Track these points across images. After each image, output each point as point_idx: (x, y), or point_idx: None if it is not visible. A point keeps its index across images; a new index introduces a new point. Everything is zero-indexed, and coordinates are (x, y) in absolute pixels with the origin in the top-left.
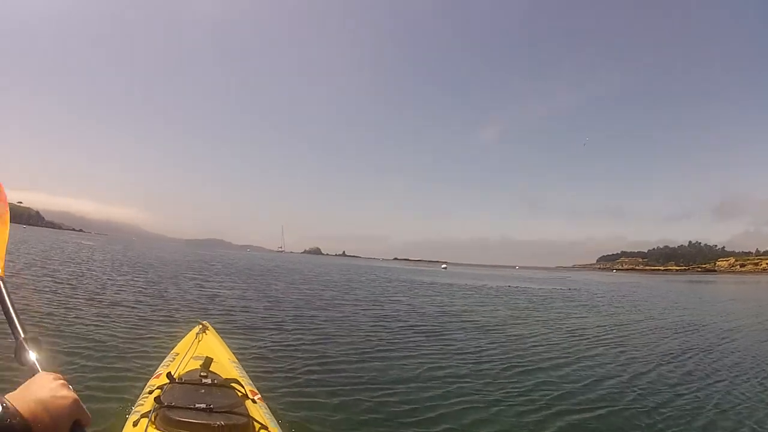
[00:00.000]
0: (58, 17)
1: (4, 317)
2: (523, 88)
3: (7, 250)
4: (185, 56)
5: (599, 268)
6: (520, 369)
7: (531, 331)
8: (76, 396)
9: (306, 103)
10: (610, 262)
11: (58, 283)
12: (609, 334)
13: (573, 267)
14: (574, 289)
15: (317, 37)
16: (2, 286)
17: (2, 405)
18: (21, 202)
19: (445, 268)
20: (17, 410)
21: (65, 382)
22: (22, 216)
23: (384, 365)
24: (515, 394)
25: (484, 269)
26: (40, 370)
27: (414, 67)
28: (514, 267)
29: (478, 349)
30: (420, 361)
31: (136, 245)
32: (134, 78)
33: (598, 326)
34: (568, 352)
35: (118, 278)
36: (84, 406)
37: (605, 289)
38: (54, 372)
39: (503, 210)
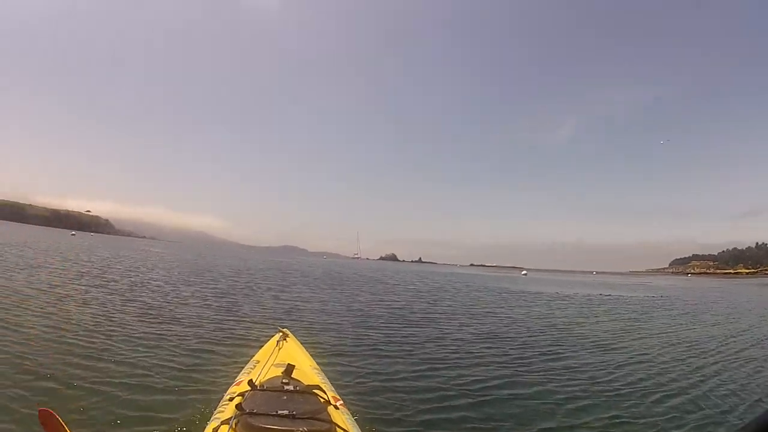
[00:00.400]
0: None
1: None
2: (594, 89)
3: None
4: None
5: (672, 272)
6: (652, 391)
7: (645, 346)
8: None
9: (379, 113)
10: (682, 265)
11: (131, 289)
12: (728, 346)
13: (646, 272)
14: (665, 296)
15: (391, 57)
16: None
17: None
18: (89, 211)
19: (525, 274)
20: None
21: None
22: (90, 224)
23: (476, 376)
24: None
25: (562, 275)
26: None
27: (481, 74)
28: (592, 272)
29: (596, 367)
30: (525, 378)
31: (210, 252)
32: (220, 99)
33: (710, 337)
34: (697, 369)
35: (188, 287)
36: None
37: (693, 295)
38: None
39: (575, 213)
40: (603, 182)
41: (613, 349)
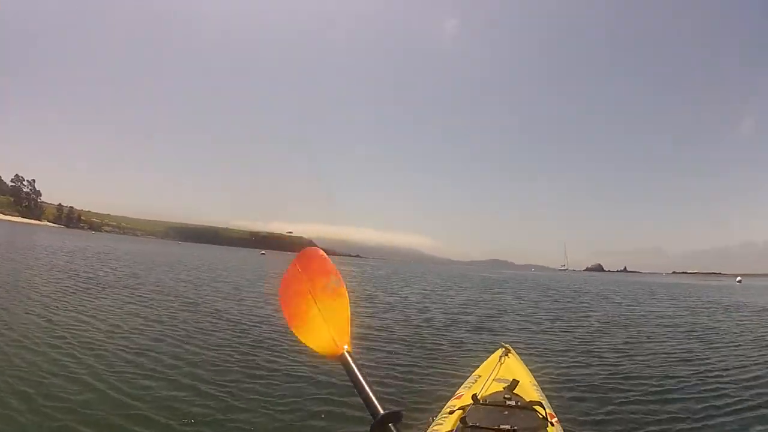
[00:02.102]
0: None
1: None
2: None
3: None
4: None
5: None
6: None
7: None
8: None
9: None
10: None
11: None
12: None
13: None
14: None
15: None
16: (350, 360)
17: None
18: (291, 232)
19: (739, 281)
20: None
21: None
22: (294, 245)
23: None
24: None
25: None
26: None
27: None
28: None
29: None
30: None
31: (420, 268)
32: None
33: None
34: None
35: (402, 299)
36: None
37: None
38: None
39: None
40: None
41: None
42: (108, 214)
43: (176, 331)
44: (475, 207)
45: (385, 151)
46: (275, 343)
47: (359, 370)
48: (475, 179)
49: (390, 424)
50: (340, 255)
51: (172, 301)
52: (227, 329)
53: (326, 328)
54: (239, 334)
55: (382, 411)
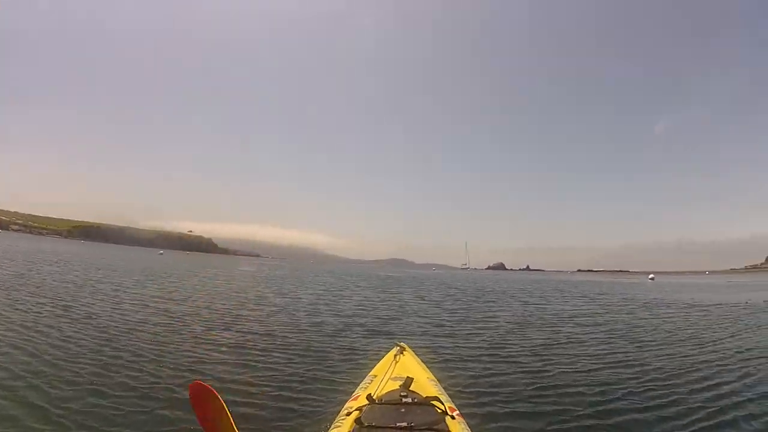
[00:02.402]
0: None
1: None
2: (698, 76)
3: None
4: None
5: None
6: None
7: None
8: None
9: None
10: None
11: (243, 304)
12: None
13: (745, 269)
14: None
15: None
16: None
17: None
18: (191, 231)
19: (652, 278)
20: None
21: None
22: (192, 244)
23: (603, 393)
24: None
25: (687, 277)
26: None
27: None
28: (705, 272)
29: None
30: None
31: (317, 267)
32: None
33: None
34: None
35: (289, 300)
36: None
37: None
38: None
39: (677, 209)
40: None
41: None
42: (16, 212)
43: (35, 338)
44: (377, 207)
45: (290, 152)
46: (139, 355)
47: None
48: (377, 181)
49: None
50: (241, 255)
51: (45, 303)
52: (92, 336)
53: None
54: (103, 344)
55: None
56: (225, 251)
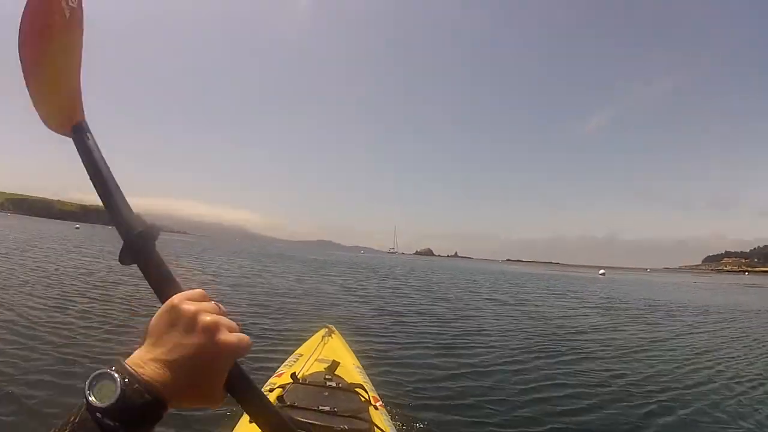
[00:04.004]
0: None
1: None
2: (623, 77)
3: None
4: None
5: (713, 270)
6: None
7: None
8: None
9: (420, 103)
10: (714, 262)
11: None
12: None
13: (679, 269)
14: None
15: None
16: (88, 137)
17: (123, 378)
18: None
19: (603, 274)
20: (144, 380)
21: (211, 304)
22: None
23: (522, 383)
24: None
25: (635, 273)
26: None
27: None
28: (646, 270)
29: None
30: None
31: (245, 247)
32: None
33: None
34: None
35: (227, 276)
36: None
37: None
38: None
39: (609, 205)
40: (634, 172)
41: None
42: None
43: None
44: (306, 187)
45: (218, 125)
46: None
47: (99, 155)
48: (309, 161)
49: (147, 243)
50: (166, 232)
51: None
52: None
53: (57, 82)
54: None
55: (138, 228)
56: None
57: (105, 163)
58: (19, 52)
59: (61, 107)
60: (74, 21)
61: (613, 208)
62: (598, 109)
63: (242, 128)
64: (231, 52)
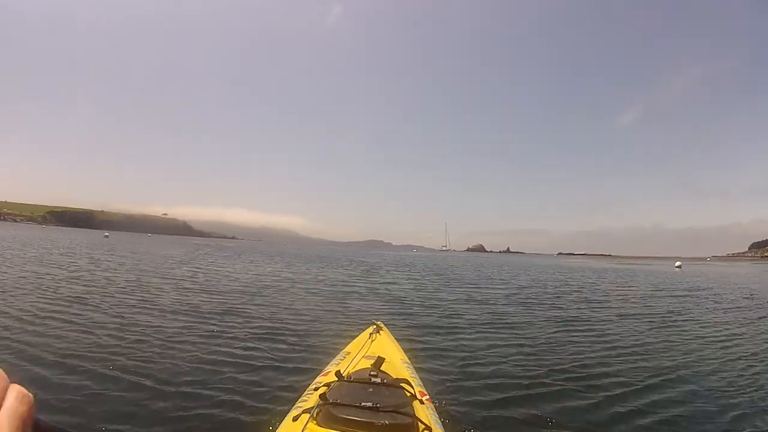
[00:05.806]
0: None
1: None
2: (657, 69)
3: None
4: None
5: (762, 257)
6: None
7: None
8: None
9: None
10: (760, 249)
11: (232, 282)
12: None
13: (728, 256)
14: None
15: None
16: None
17: None
18: (166, 214)
19: (679, 266)
20: None
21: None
22: (168, 227)
23: (572, 390)
24: None
25: (708, 265)
26: None
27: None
28: (706, 259)
29: None
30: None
31: (295, 248)
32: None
33: None
34: None
35: (281, 277)
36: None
37: None
38: None
39: (649, 196)
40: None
41: None
42: None
43: None
44: (355, 191)
45: (269, 137)
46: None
47: None
48: (359, 166)
49: None
50: (216, 237)
51: None
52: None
53: None
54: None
55: None
56: (200, 234)
57: None
58: None
59: None
60: None
61: (654, 199)
62: (633, 102)
63: (290, 140)
64: (279, 69)
